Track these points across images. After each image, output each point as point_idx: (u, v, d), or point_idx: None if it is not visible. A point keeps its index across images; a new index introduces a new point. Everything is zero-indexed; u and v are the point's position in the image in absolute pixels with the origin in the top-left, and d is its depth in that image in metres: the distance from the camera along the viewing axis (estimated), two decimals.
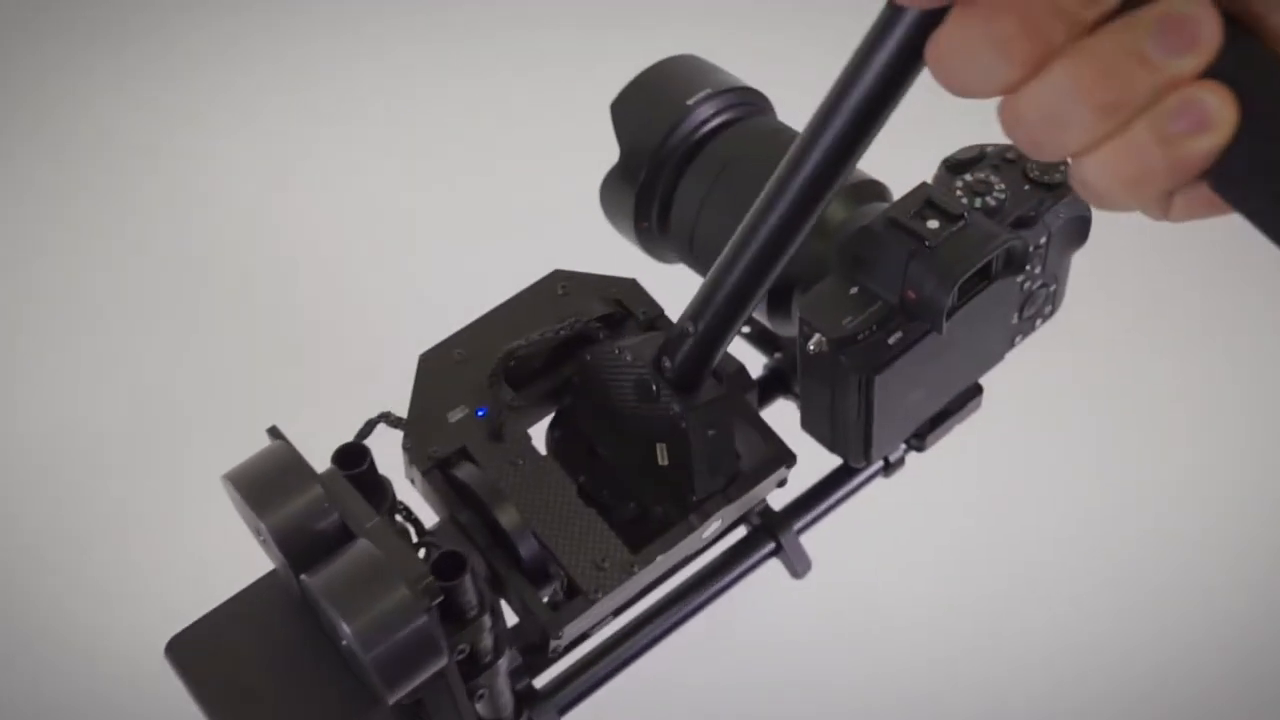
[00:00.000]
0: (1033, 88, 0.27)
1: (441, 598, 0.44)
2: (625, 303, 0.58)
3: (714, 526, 0.54)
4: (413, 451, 0.53)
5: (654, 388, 0.53)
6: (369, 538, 0.45)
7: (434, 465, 0.53)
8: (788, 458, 0.55)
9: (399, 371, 0.56)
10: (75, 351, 1.09)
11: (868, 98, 0.38)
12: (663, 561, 0.52)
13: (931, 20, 0.31)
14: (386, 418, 0.54)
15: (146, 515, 0.98)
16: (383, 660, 0.42)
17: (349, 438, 0.53)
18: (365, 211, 1.18)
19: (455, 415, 0.54)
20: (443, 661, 0.44)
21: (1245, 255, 1.06)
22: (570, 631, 0.51)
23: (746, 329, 0.67)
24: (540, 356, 0.57)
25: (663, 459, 0.55)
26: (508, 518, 0.51)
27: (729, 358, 0.57)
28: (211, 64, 1.34)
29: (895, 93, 0.37)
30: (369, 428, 0.54)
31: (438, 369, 0.55)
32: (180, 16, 1.39)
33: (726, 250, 0.48)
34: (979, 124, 0.57)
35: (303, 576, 0.44)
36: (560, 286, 0.58)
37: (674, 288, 0.61)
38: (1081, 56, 0.26)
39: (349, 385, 0.99)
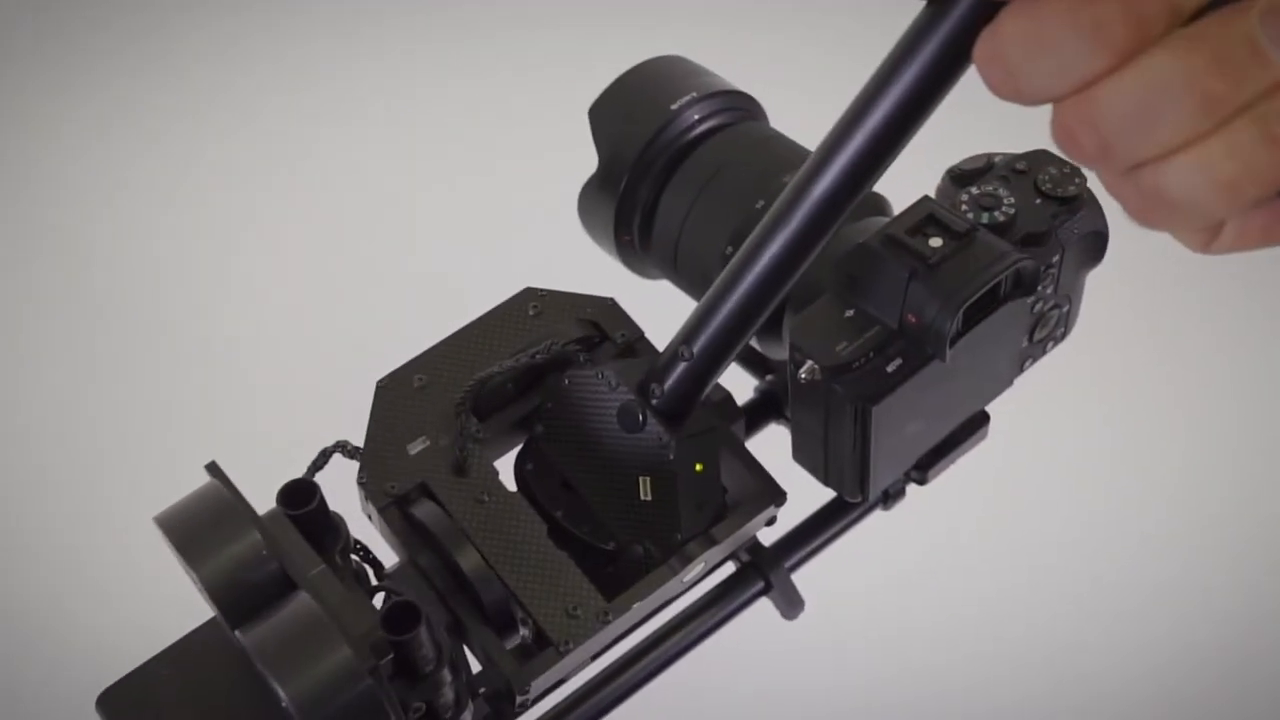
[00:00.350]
0: (1122, 80, 0.25)
1: (392, 654, 0.40)
2: (602, 324, 0.54)
3: (696, 570, 0.50)
4: (368, 487, 0.49)
5: (640, 416, 0.50)
6: (310, 589, 0.41)
7: (391, 502, 0.49)
8: (777, 495, 0.51)
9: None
10: (68, 350, 1.07)
11: (898, 110, 0.36)
12: (640, 609, 0.48)
13: (984, 15, 0.29)
14: (343, 448, 0.50)
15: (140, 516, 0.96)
16: None
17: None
18: (345, 218, 1.16)
19: (415, 447, 0.50)
20: None
21: (1244, 258, 1.03)
22: (539, 685, 0.47)
23: None
24: (509, 382, 0.53)
25: (645, 493, 0.51)
26: (470, 562, 0.47)
27: (715, 385, 0.53)
28: (203, 64, 1.32)
29: (929, 105, 0.35)
30: (324, 459, 0.50)
31: (396, 397, 0.51)
32: (179, 17, 1.36)
33: (731, 266, 0.45)
34: (987, 130, 0.53)
35: (238, 632, 0.40)
36: (532, 306, 0.54)
37: (657, 306, 0.57)
38: (1189, 43, 0.24)
39: (324, 402, 0.96)
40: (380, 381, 0.52)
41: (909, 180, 0.51)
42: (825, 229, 0.41)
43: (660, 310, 0.56)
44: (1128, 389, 1.00)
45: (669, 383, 0.48)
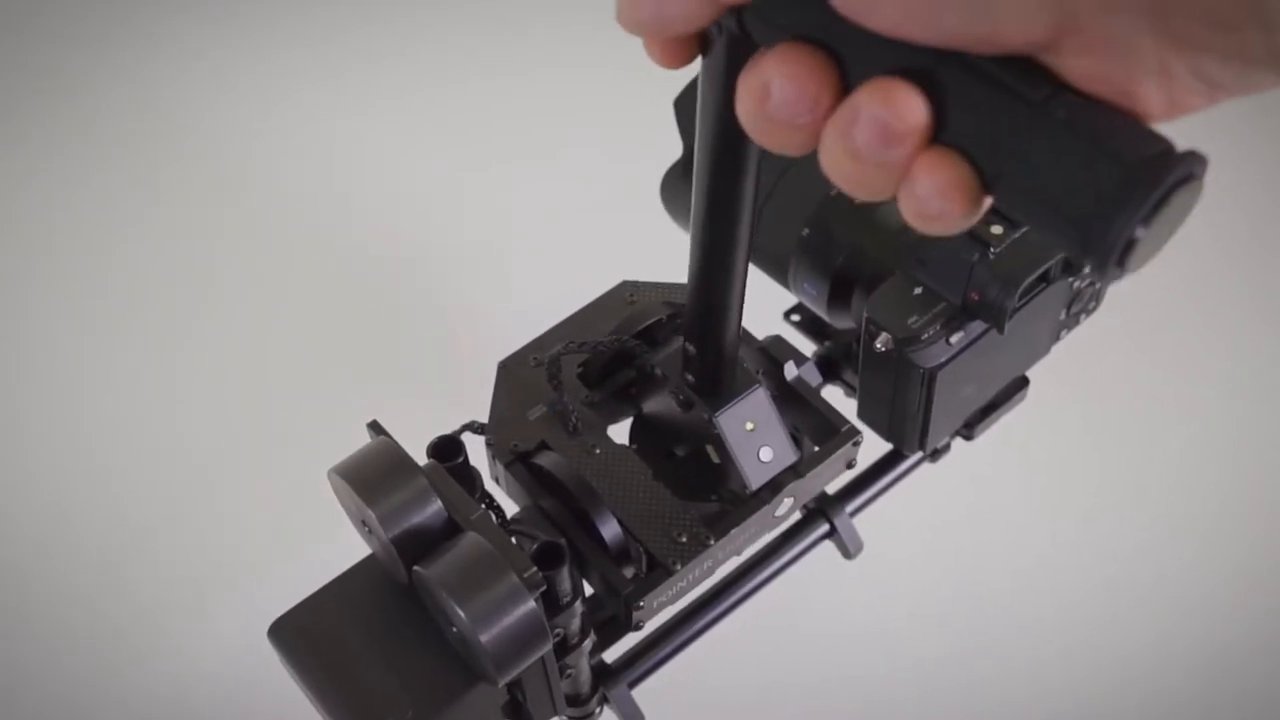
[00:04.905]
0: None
1: (545, 586, 0.47)
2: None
3: (786, 504, 0.57)
4: (496, 447, 0.56)
5: (684, 399, 0.55)
6: (475, 529, 0.47)
7: (516, 458, 0.56)
8: (853, 434, 0.58)
9: (462, 378, 0.58)
10: (82, 350, 1.08)
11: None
12: (737, 535, 0.55)
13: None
14: (471, 426, 0.57)
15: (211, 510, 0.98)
16: (497, 645, 0.45)
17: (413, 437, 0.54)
18: (424, 212, 1.16)
19: (534, 414, 0.57)
20: (548, 645, 0.47)
21: (1244, 260, 1.08)
22: (650, 602, 0.54)
23: (796, 318, 0.70)
24: (607, 358, 0.59)
25: (715, 458, 0.58)
26: (589, 499, 0.54)
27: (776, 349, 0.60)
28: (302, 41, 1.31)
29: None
30: (461, 430, 0.56)
31: (515, 374, 0.58)
32: None
33: (689, 279, 0.50)
34: None
35: (416, 567, 0.47)
36: (629, 295, 0.61)
37: None
38: (825, 151, 0.31)
39: (410, 394, 1.01)
40: (502, 361, 0.59)
41: None
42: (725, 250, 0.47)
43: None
44: (1130, 382, 1.01)
45: (693, 370, 0.54)
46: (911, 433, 0.59)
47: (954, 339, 0.55)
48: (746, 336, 0.60)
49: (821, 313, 0.62)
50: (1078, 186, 0.28)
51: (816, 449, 0.58)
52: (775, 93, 0.31)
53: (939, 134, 0.30)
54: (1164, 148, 0.28)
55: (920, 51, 0.29)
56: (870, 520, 0.64)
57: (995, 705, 0.83)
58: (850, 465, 0.59)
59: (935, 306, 0.55)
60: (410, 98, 1.25)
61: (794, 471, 0.56)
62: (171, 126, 1.24)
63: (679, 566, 0.53)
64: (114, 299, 1.10)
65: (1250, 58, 0.27)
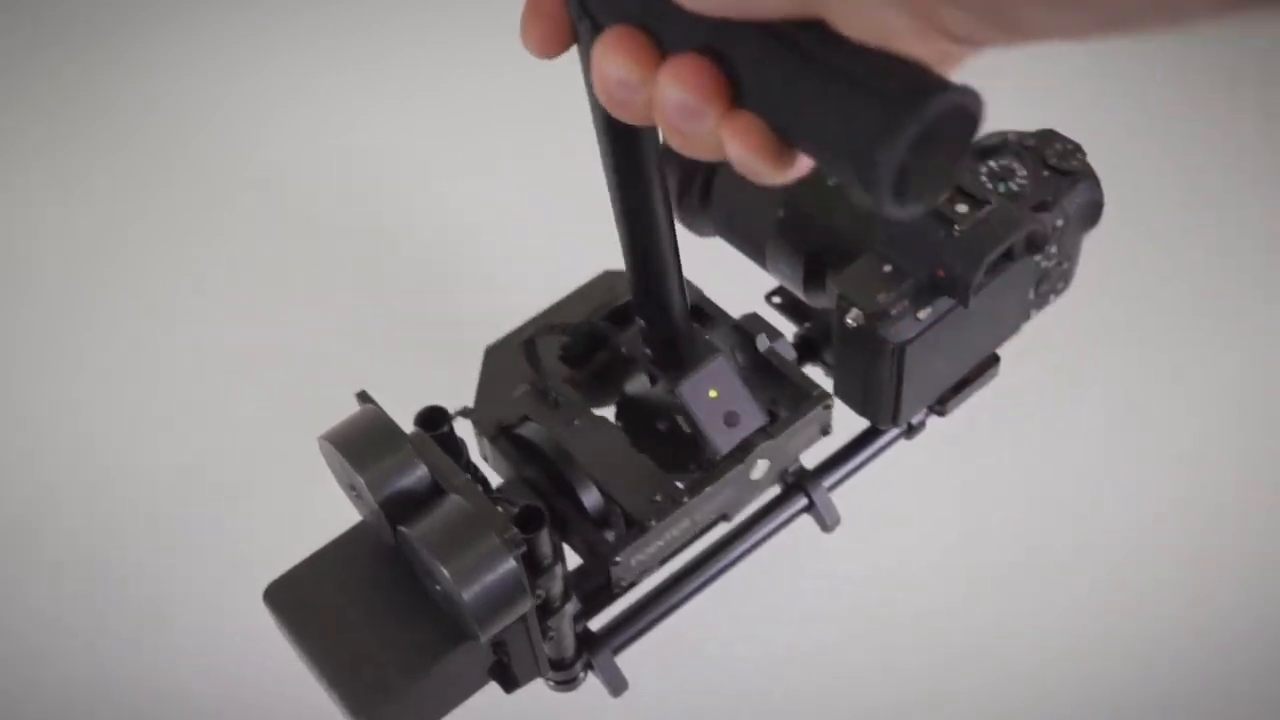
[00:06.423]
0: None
1: (525, 548, 0.49)
2: None
3: (760, 466, 0.59)
4: (481, 422, 0.58)
5: (649, 374, 0.58)
6: (459, 493, 0.50)
7: (499, 432, 0.58)
8: (824, 397, 0.60)
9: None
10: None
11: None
12: (712, 493, 0.57)
13: None
14: (463, 412, 0.59)
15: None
16: (479, 601, 0.47)
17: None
18: (425, 211, 1.18)
19: (518, 391, 0.60)
20: (529, 603, 0.49)
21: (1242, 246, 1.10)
22: (628, 559, 0.56)
23: (778, 300, 0.72)
24: (586, 340, 0.62)
25: (686, 428, 0.60)
26: (567, 464, 0.56)
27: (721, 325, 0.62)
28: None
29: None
30: (455, 415, 0.58)
31: (501, 359, 0.61)
32: None
33: (623, 256, 0.52)
34: (999, 114, 0.62)
35: (401, 527, 0.49)
36: (611, 282, 0.64)
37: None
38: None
39: (403, 374, 1.03)
40: (489, 347, 0.61)
41: None
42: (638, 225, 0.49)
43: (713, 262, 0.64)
44: (1129, 369, 0.99)
45: (650, 345, 0.57)
46: (885, 407, 0.61)
47: (922, 314, 0.57)
48: (722, 315, 0.63)
49: (798, 292, 0.64)
50: (851, 125, 0.30)
51: (788, 412, 0.60)
52: (608, 73, 0.33)
53: (740, 100, 0.32)
54: (929, 82, 0.29)
55: (716, 26, 0.32)
56: (849, 495, 0.66)
57: (971, 667, 0.84)
58: (825, 432, 0.61)
59: (904, 283, 0.57)
60: (412, 98, 1.27)
61: (764, 433, 0.58)
62: (173, 127, 1.26)
63: (654, 523, 0.56)
64: (116, 297, 1.12)
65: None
